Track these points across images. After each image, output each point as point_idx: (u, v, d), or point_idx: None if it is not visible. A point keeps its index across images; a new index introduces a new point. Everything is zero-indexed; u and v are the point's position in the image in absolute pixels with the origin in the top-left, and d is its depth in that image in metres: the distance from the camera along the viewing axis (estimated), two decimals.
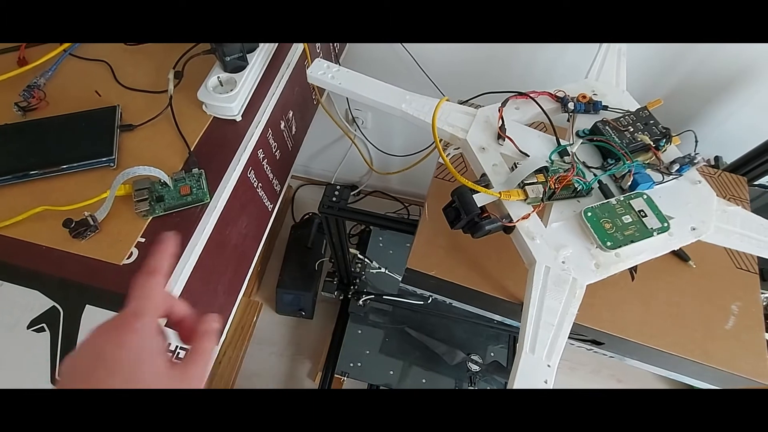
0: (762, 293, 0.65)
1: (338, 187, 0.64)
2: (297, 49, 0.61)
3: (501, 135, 0.44)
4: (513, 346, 1.05)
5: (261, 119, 0.53)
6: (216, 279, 0.50)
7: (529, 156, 0.44)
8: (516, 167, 0.42)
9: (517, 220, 0.40)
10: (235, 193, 0.50)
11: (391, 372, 1.03)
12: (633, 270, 0.48)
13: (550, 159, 0.43)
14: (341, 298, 1.07)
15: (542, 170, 0.42)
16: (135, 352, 0.23)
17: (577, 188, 0.41)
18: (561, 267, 0.38)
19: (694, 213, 0.42)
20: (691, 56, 0.71)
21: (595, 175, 0.42)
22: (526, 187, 0.41)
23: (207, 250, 0.46)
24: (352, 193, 1.38)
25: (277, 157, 0.60)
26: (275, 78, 0.57)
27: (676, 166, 0.43)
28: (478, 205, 0.40)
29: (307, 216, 1.26)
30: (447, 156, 0.53)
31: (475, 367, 0.95)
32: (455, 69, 0.85)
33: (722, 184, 0.55)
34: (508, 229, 0.41)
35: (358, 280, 1.03)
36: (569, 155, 0.44)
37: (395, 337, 1.06)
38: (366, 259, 0.99)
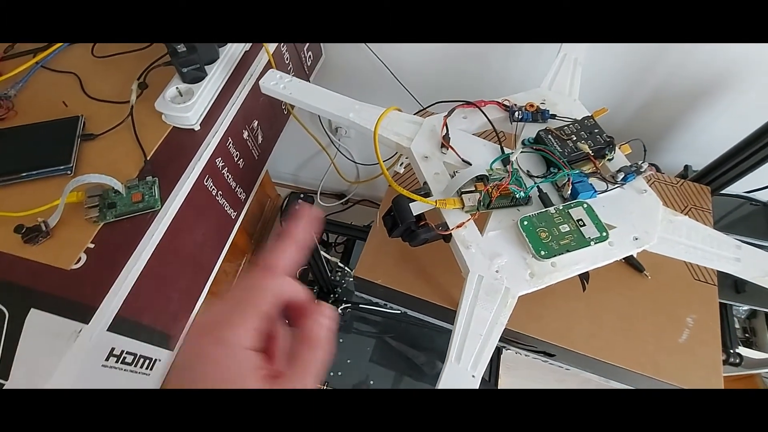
0: (736, 306, 0.63)
1: (302, 195, 0.64)
2: (261, 60, 0.62)
3: (444, 144, 0.44)
4: (497, 357, 1.03)
5: (219, 128, 0.55)
6: (169, 285, 0.50)
7: (471, 164, 0.44)
8: (456, 176, 0.42)
9: (452, 229, 0.39)
10: (189, 201, 0.51)
11: (372, 382, 1.02)
12: (584, 280, 0.47)
13: (491, 167, 0.43)
14: None
15: (482, 179, 0.42)
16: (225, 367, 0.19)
17: (515, 197, 0.41)
18: (494, 276, 0.38)
19: (638, 222, 0.41)
20: (668, 60, 0.70)
21: (534, 183, 0.42)
22: (463, 195, 0.40)
23: (157, 257, 0.47)
24: (339, 202, 1.39)
25: (241, 166, 0.61)
26: (237, 88, 0.58)
27: (621, 175, 0.42)
28: (414, 214, 0.40)
29: None
30: (401, 165, 0.53)
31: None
32: (431, 79, 0.86)
33: (685, 193, 0.54)
34: (448, 238, 0.41)
35: (339, 289, 1.03)
36: (511, 164, 0.43)
37: (377, 346, 1.06)
38: (347, 268, 0.98)
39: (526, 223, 0.39)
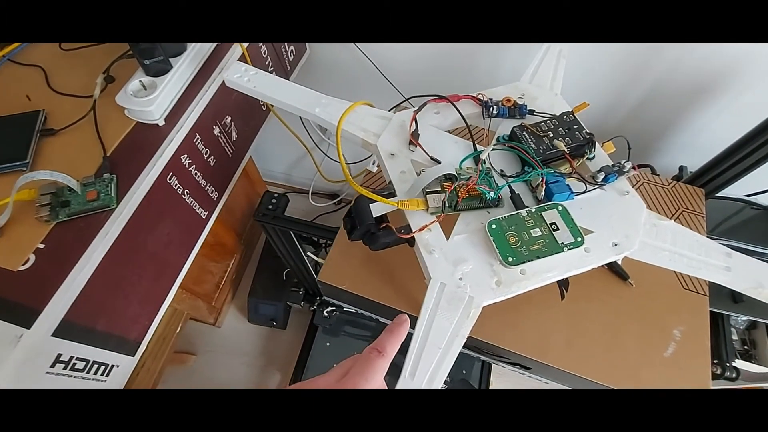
0: (734, 317, 0.59)
1: (276, 194, 0.62)
2: (235, 53, 0.59)
3: (412, 141, 0.41)
4: (488, 370, 0.99)
5: (185, 124, 0.52)
6: (127, 288, 0.48)
7: (440, 163, 0.41)
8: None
9: (415, 232, 0.37)
10: (149, 199, 0.48)
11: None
12: (563, 288, 0.44)
13: (460, 166, 0.40)
14: (312, 309, 1.05)
15: (451, 178, 0.39)
16: None
17: (485, 198, 0.38)
18: (457, 284, 0.35)
19: (618, 227, 0.38)
20: (665, 56, 0.67)
21: (507, 182, 0.39)
22: (428, 196, 0.38)
23: (112, 258, 0.45)
24: (332, 202, 1.36)
25: (212, 164, 0.59)
26: (206, 82, 0.55)
27: (602, 176, 0.39)
28: (375, 215, 0.38)
29: None
30: (374, 164, 0.51)
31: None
32: (419, 75, 0.83)
33: (677, 196, 0.51)
34: (411, 241, 0.38)
35: None
36: (484, 163, 0.40)
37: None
38: None
39: (494, 226, 0.36)
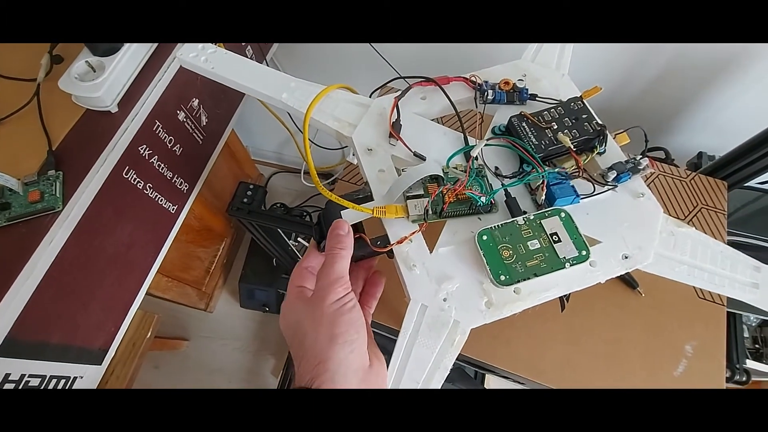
0: (746, 315, 0.55)
1: (252, 185, 0.57)
2: None
3: (393, 134, 0.36)
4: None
5: (141, 110, 0.46)
6: (84, 295, 0.44)
7: (425, 159, 0.35)
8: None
9: (392, 245, 0.32)
10: (103, 198, 0.43)
11: None
12: (564, 298, 0.40)
13: (447, 164, 0.34)
14: None
15: (437, 179, 0.34)
16: None
17: (475, 203, 0.32)
18: (440, 306, 0.30)
19: (630, 236, 0.32)
20: None
21: (502, 185, 0.33)
22: (408, 201, 0.32)
23: (62, 265, 0.40)
24: (327, 182, 1.31)
25: (178, 153, 0.53)
26: (165, 61, 0.49)
27: (613, 174, 0.33)
28: (349, 223, 0.32)
29: (275, 205, 1.20)
30: (353, 155, 0.45)
31: None
32: (416, 50, 0.75)
33: (696, 190, 0.45)
34: (391, 253, 0.33)
35: None
36: (477, 160, 0.35)
37: None
38: None
39: (485, 237, 0.31)
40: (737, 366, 0.55)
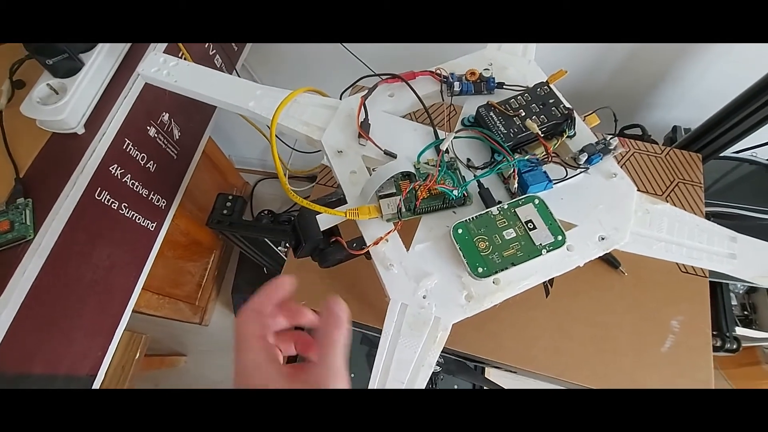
0: (733, 282, 0.55)
1: (230, 197, 0.56)
2: None
3: (361, 133, 0.35)
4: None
5: (108, 129, 0.46)
6: (65, 323, 0.43)
7: (396, 157, 0.35)
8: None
9: (368, 246, 0.31)
10: (76, 222, 0.42)
11: (353, 375, 0.98)
12: (548, 284, 0.40)
13: (418, 160, 0.34)
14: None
15: (409, 176, 0.33)
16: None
17: (448, 197, 0.32)
18: (420, 303, 0.30)
19: (605, 218, 0.32)
20: None
21: (475, 176, 0.33)
22: (381, 200, 0.32)
23: (38, 295, 0.39)
24: (310, 186, 1.30)
25: (152, 170, 0.53)
26: (130, 78, 0.48)
27: (585, 157, 0.33)
28: (323, 228, 0.32)
29: (262, 213, 1.19)
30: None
31: (435, 368, 0.88)
32: (391, 48, 0.74)
33: (671, 165, 0.45)
34: (369, 255, 0.33)
35: None
36: (448, 152, 0.34)
37: (355, 338, 1.00)
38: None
39: (460, 231, 0.31)
40: (727, 334, 0.55)
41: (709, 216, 0.53)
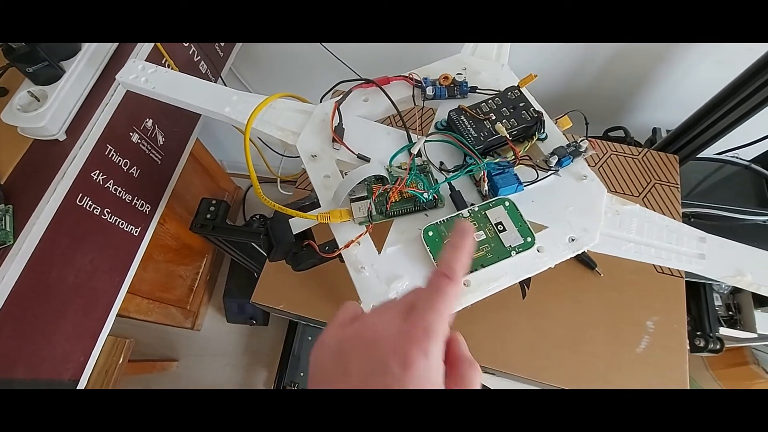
0: (718, 282, 0.55)
1: (214, 201, 0.56)
2: (144, 46, 0.52)
3: (335, 138, 0.36)
4: None
5: (89, 135, 0.46)
6: (47, 327, 0.43)
7: (370, 161, 0.35)
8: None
9: (340, 249, 0.32)
10: (57, 227, 0.43)
11: None
12: (524, 285, 0.40)
13: (390, 163, 0.34)
14: None
15: (382, 179, 0.34)
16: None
17: (419, 199, 0.32)
18: None
19: (575, 219, 0.33)
20: None
21: (446, 179, 0.34)
22: (352, 203, 0.32)
23: (18, 300, 0.40)
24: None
25: (135, 175, 0.53)
26: (111, 85, 0.48)
27: (555, 159, 0.34)
28: (296, 232, 0.32)
29: (254, 218, 1.19)
30: None
31: None
32: (375, 51, 0.75)
33: (648, 166, 0.45)
34: (341, 258, 0.33)
35: None
36: (420, 156, 0.35)
37: None
38: None
39: (430, 233, 0.31)
40: (710, 335, 0.55)
41: (690, 217, 0.53)
